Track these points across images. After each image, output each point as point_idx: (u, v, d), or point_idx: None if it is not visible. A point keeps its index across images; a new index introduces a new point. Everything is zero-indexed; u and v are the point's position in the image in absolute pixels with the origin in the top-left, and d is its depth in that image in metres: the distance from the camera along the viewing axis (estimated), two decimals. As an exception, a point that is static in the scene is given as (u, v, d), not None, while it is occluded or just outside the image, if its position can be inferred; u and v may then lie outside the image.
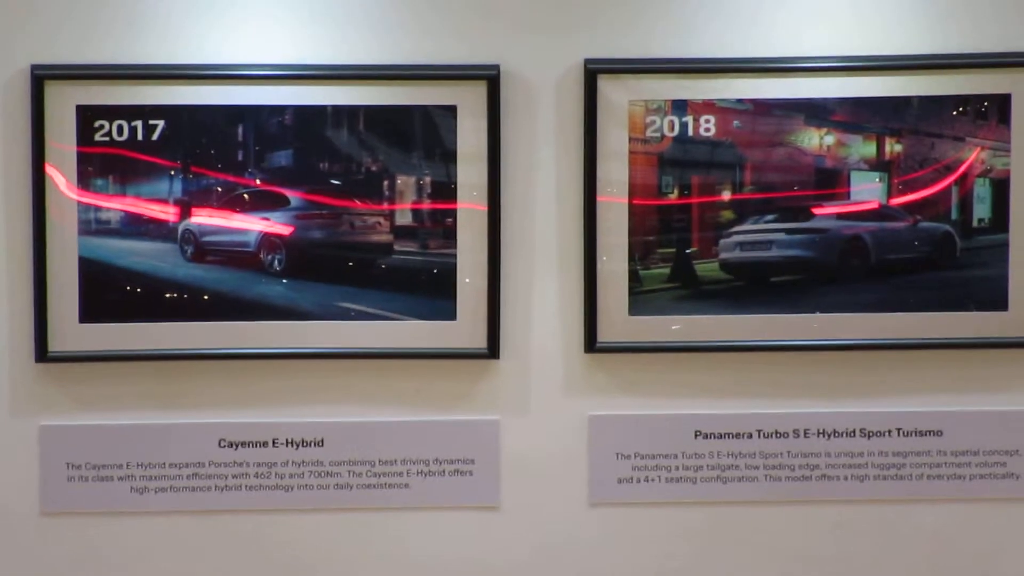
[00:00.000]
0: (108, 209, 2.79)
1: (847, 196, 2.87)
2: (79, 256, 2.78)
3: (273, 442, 2.86)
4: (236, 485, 2.86)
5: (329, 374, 2.85)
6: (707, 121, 2.84)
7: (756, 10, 2.83)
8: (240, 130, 2.79)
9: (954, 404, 2.91)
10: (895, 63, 2.81)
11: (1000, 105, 2.84)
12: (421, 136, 2.82)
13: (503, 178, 2.82)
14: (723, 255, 2.87)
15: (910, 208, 2.87)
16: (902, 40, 2.83)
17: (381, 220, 2.84)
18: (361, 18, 2.80)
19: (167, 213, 2.80)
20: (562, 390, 2.89)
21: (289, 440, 2.86)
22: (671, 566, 2.93)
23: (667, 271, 2.87)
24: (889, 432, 2.91)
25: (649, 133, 2.83)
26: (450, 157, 2.81)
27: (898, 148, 2.85)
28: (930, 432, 2.91)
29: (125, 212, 2.79)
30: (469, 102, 2.80)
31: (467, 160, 2.81)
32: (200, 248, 2.82)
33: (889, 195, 2.87)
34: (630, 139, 2.83)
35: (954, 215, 2.88)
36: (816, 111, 2.83)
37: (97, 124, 2.77)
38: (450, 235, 2.83)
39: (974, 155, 2.86)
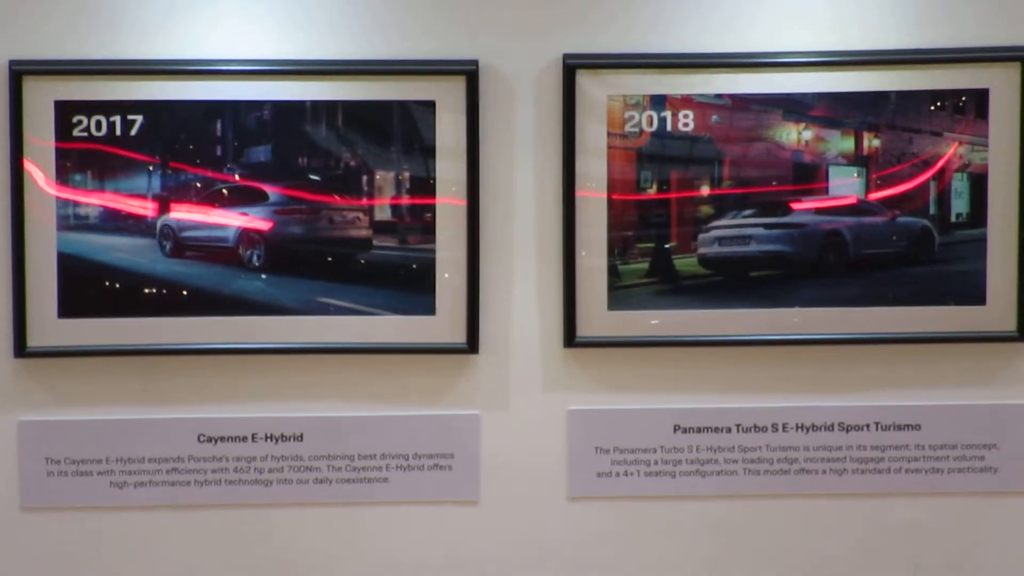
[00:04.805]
0: (87, 204, 2.79)
1: (825, 191, 2.87)
2: (58, 251, 2.78)
3: (252, 437, 2.86)
4: (215, 480, 2.86)
5: (308, 369, 2.85)
6: (686, 116, 2.84)
7: (735, 5, 2.83)
8: (218, 125, 2.79)
9: (932, 398, 2.92)
10: (873, 58, 2.82)
11: (978, 100, 2.85)
12: (400, 131, 2.82)
13: (482, 173, 2.82)
14: (702, 250, 2.87)
15: (888, 203, 2.88)
16: (880, 35, 2.83)
17: (360, 215, 2.84)
18: (339, 13, 2.80)
19: (146, 208, 2.80)
20: (541, 385, 2.89)
21: (268, 435, 2.86)
22: (651, 560, 2.94)
23: (646, 266, 2.87)
24: (867, 426, 2.92)
25: (628, 128, 2.84)
26: (429, 152, 2.81)
27: (876, 143, 2.86)
28: (908, 426, 2.92)
29: (104, 207, 2.79)
30: (448, 97, 2.80)
31: (446, 155, 2.81)
32: (179, 243, 2.82)
33: (867, 190, 2.88)
34: (609, 134, 2.83)
35: (932, 210, 2.88)
36: (794, 106, 2.84)
37: (75, 119, 2.77)
38: (429, 230, 2.83)
39: (952, 150, 2.86)
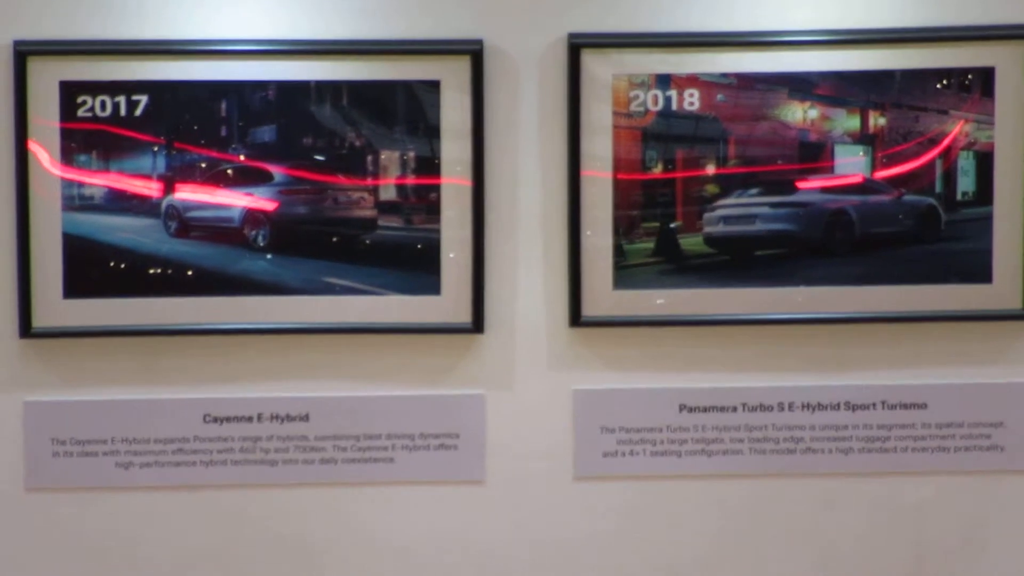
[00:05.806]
0: (92, 185, 2.79)
1: (831, 170, 2.87)
2: (63, 232, 2.78)
3: (258, 417, 2.86)
4: (221, 460, 2.86)
5: (313, 349, 2.85)
6: (691, 95, 2.84)
7: (740, -16, 2.83)
8: (223, 105, 2.79)
9: (938, 377, 2.92)
10: (878, 36, 2.81)
11: (984, 78, 2.84)
12: (405, 111, 2.81)
13: (487, 153, 2.82)
14: (707, 229, 2.87)
15: (894, 181, 2.87)
16: (885, 13, 2.82)
17: (365, 195, 2.84)
18: (344, -7, 2.80)
19: (151, 189, 2.80)
20: (547, 364, 2.89)
21: (274, 415, 2.86)
22: (656, 539, 2.94)
23: (651, 245, 2.87)
24: (874, 405, 2.91)
25: (633, 107, 2.83)
26: (434, 132, 2.81)
27: (882, 121, 2.86)
28: (915, 405, 2.92)
29: (109, 188, 2.79)
30: (453, 77, 2.80)
31: (451, 135, 2.81)
32: (184, 224, 2.82)
33: (873, 168, 2.87)
34: (614, 113, 2.82)
35: (938, 188, 2.88)
36: (799, 85, 2.83)
37: (80, 100, 2.76)
38: (434, 210, 2.83)
39: (958, 128, 2.86)
